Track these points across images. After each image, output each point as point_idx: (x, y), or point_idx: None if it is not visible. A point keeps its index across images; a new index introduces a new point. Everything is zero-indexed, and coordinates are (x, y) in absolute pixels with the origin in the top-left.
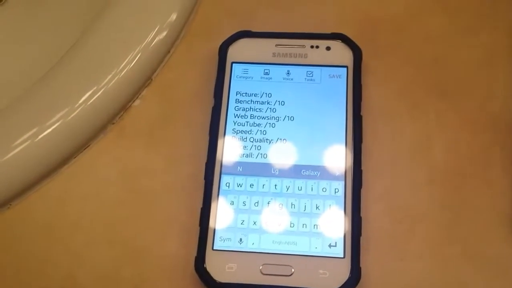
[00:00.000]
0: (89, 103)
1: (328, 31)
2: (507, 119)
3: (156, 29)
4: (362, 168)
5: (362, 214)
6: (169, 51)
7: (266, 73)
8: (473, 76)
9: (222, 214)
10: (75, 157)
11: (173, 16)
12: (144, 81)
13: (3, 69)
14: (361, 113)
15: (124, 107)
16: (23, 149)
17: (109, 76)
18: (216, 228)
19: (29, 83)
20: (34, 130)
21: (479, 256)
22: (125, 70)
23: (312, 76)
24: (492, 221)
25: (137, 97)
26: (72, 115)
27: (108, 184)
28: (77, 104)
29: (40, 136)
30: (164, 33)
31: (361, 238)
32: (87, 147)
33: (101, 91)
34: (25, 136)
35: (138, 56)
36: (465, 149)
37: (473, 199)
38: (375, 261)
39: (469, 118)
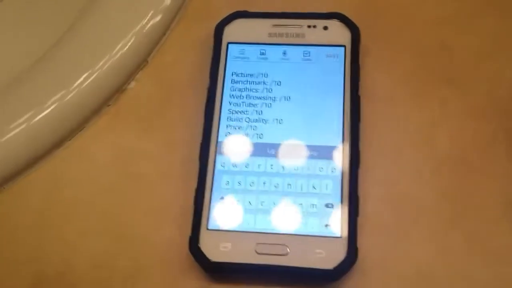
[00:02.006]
0: (84, 85)
1: (326, 10)
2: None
3: (150, 13)
4: (362, 150)
5: (361, 197)
6: (164, 34)
7: (263, 54)
8: (479, 63)
9: (217, 194)
10: (69, 140)
11: (168, 1)
12: (139, 63)
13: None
14: (359, 93)
15: (119, 90)
16: (19, 131)
17: (104, 60)
18: (211, 208)
19: (25, 67)
20: (31, 113)
21: (480, 245)
22: (119, 54)
23: (309, 56)
24: (496, 211)
25: (132, 80)
26: (68, 98)
27: (102, 168)
28: (72, 87)
29: (36, 119)
30: (159, 17)
31: (359, 219)
32: (82, 129)
33: (96, 74)
34: (22, 119)
35: (132, 40)
36: (470, 137)
37: (477, 188)
38: (373, 243)
39: (475, 105)
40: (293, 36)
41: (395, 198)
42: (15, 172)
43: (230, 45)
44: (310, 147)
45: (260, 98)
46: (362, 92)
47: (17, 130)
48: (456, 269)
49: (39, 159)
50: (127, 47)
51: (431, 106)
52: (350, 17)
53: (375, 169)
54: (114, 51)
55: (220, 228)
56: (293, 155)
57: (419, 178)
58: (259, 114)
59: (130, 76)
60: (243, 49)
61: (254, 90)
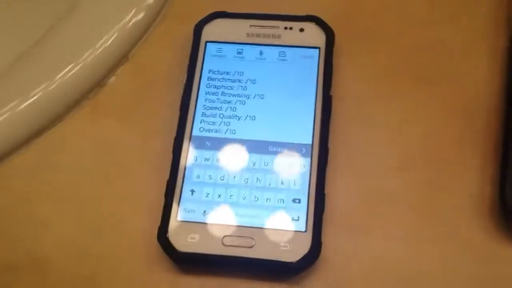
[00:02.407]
0: (66, 77)
1: (303, 14)
2: (479, 104)
3: (133, 11)
4: (332, 147)
5: (328, 193)
6: (146, 31)
7: (239, 53)
8: (449, 63)
9: (188, 187)
10: (49, 130)
11: (151, 0)
12: (120, 59)
13: None
14: (331, 93)
15: (99, 84)
16: (3, 119)
17: (86, 53)
18: (181, 199)
19: (12, 58)
20: (16, 101)
21: (446, 239)
22: (101, 48)
23: (284, 57)
24: (461, 205)
25: (112, 75)
26: (50, 88)
27: (79, 158)
28: (56, 78)
29: (20, 107)
30: (141, 15)
31: (326, 215)
32: (61, 120)
33: (79, 66)
34: (6, 108)
35: (114, 36)
36: (439, 134)
37: (444, 184)
38: (338, 237)
39: (444, 104)
40: (270, 36)
41: (363, 195)
42: None
43: (208, 44)
44: (281, 144)
45: (235, 96)
46: (335, 91)
47: (3, 118)
48: (421, 263)
49: (18, 147)
50: (109, 42)
51: (401, 104)
52: (325, 20)
53: (344, 166)
54: (97, 45)
55: (189, 220)
56: (264, 151)
57: (387, 175)
58: (233, 110)
59: (111, 71)
60: (221, 48)
61: (229, 88)
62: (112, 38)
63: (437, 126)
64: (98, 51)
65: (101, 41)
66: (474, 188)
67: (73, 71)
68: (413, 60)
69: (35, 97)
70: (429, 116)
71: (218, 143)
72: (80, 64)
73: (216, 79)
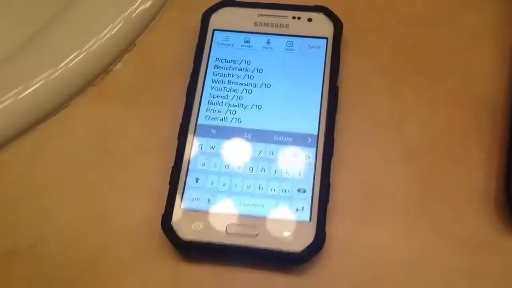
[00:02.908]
0: (71, 65)
1: (311, 4)
2: (485, 100)
3: None
4: (337, 138)
5: (332, 183)
6: (154, 18)
7: (247, 42)
8: (454, 57)
9: (192, 175)
10: (53, 116)
11: None
12: (127, 46)
13: None
14: (337, 84)
15: (105, 70)
16: (6, 106)
17: (92, 41)
18: (186, 187)
19: (17, 45)
20: (19, 88)
21: (447, 231)
22: (107, 36)
23: (291, 46)
24: (464, 199)
25: (118, 61)
26: (55, 75)
27: (83, 143)
28: (60, 66)
29: (23, 94)
30: (149, 3)
31: (330, 205)
32: (66, 106)
33: (84, 54)
34: (10, 94)
35: (121, 24)
36: (441, 127)
37: (447, 177)
38: (342, 228)
39: (447, 97)
40: (277, 26)
41: (366, 185)
42: None
43: (215, 32)
44: (287, 134)
45: (241, 84)
46: (340, 82)
47: (4, 104)
48: (423, 254)
49: (22, 133)
50: (115, 30)
51: (404, 96)
52: (333, 11)
53: (347, 156)
54: (103, 33)
55: (193, 208)
56: (269, 140)
57: (389, 166)
58: (239, 99)
59: (117, 58)
60: (228, 36)
61: (236, 76)
62: (118, 26)
63: (442, 120)
64: (104, 39)
65: (106, 29)
66: (479, 182)
67: (77, 59)
68: (419, 54)
69: (37, 85)
70: (434, 110)
71: (223, 132)
72: (85, 52)
73: (223, 68)
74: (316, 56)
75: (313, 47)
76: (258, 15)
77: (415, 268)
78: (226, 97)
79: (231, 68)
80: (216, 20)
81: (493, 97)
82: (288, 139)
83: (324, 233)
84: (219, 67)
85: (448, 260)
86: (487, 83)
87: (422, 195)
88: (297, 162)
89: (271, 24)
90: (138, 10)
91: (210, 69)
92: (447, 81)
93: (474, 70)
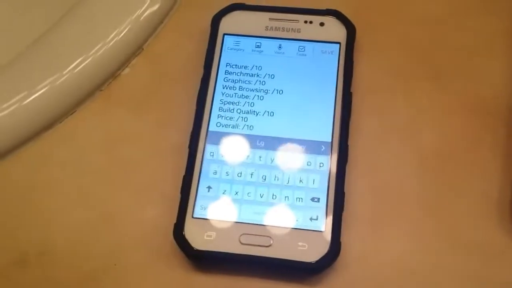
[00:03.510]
0: (77, 70)
1: (323, 7)
2: (500, 105)
3: (148, 2)
4: (350, 144)
5: (346, 190)
6: (162, 22)
7: (258, 46)
8: (468, 61)
9: (204, 183)
10: (60, 122)
11: None
12: (134, 50)
13: None
14: (351, 90)
15: (113, 75)
16: (10, 112)
17: (98, 46)
18: (197, 196)
19: (22, 49)
20: (23, 94)
21: (463, 240)
22: (114, 41)
23: (304, 51)
24: (478, 206)
25: (126, 66)
26: (60, 81)
27: (90, 150)
28: (66, 71)
29: (27, 100)
30: (156, 6)
31: (344, 214)
32: (73, 112)
33: (90, 59)
34: (14, 100)
35: (128, 28)
36: (455, 132)
37: (461, 183)
38: (356, 237)
39: (461, 102)
40: (289, 30)
41: (380, 193)
42: (4, 151)
43: (226, 37)
44: (299, 141)
45: (252, 90)
46: (352, 86)
47: (7, 111)
48: (437, 262)
49: (28, 139)
50: (122, 34)
51: (418, 101)
52: (345, 13)
53: (361, 163)
54: (109, 38)
55: (206, 217)
56: (282, 148)
57: (405, 175)
58: (251, 106)
59: (125, 62)
60: (239, 41)
61: (247, 82)
62: (125, 30)
63: (456, 126)
64: (110, 43)
65: (113, 34)
66: (493, 189)
67: (83, 64)
68: (433, 57)
69: (43, 90)
70: (448, 115)
71: (235, 139)
72: (91, 57)
73: (234, 73)
74: (329, 62)
75: (325, 52)
76: (269, 19)
77: (430, 276)
78: (237, 103)
79: (242, 74)
80: (226, 24)
81: (508, 102)
82: (301, 146)
83: (339, 243)
84: (230, 73)
85: (462, 268)
86: (501, 87)
87: (436, 202)
88: (311, 171)
89: (282, 28)
90: (145, 13)
91: (221, 74)
92: (461, 85)
93: (487, 73)
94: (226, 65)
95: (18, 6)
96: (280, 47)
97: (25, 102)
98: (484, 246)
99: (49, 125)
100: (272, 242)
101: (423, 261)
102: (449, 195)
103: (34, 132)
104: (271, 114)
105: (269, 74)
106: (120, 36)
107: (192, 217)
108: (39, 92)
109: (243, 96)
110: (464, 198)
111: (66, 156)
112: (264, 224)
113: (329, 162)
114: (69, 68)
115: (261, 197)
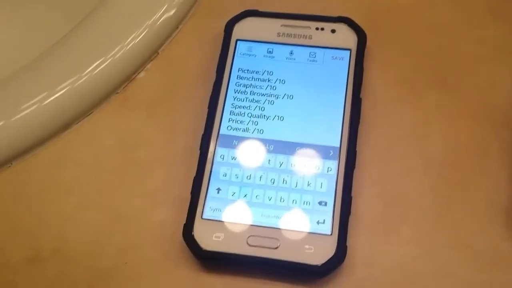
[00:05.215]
0: (95, 72)
1: (334, 15)
2: (509, 113)
3: (165, 7)
4: (358, 150)
5: (354, 196)
6: (177, 27)
7: (270, 52)
8: (476, 69)
9: (214, 185)
10: (77, 123)
11: None
12: (150, 54)
13: (19, 37)
14: (361, 96)
15: (129, 78)
16: (30, 112)
17: (116, 49)
18: (207, 197)
19: (43, 51)
20: (43, 94)
21: (469, 246)
22: (131, 44)
23: (315, 57)
24: (485, 213)
25: (142, 70)
26: (79, 83)
27: (105, 152)
28: (85, 73)
29: (47, 101)
30: (173, 11)
31: (351, 218)
32: (89, 114)
33: (108, 61)
34: (34, 100)
35: (145, 32)
36: (463, 140)
37: (468, 190)
38: (363, 241)
39: (469, 110)
40: (301, 37)
41: (387, 198)
42: (23, 150)
43: (238, 42)
44: (308, 146)
45: (263, 95)
46: (362, 92)
47: (28, 110)
48: (443, 268)
49: (46, 139)
50: (139, 38)
51: (427, 108)
52: (356, 20)
53: (369, 169)
54: (127, 41)
55: (215, 218)
56: (291, 152)
57: (411, 179)
58: (261, 110)
59: (141, 66)
60: (251, 47)
61: (258, 87)
62: (142, 34)
63: (465, 133)
64: (128, 46)
65: (130, 37)
66: (501, 197)
67: (101, 67)
68: (442, 65)
69: (62, 91)
70: (456, 122)
71: (245, 142)
72: (110, 59)
73: (246, 78)
74: (339, 68)
75: (336, 58)
76: (282, 25)
77: (436, 282)
78: (248, 107)
79: (253, 79)
80: (240, 30)
81: None
82: (310, 151)
83: (345, 247)
84: (241, 78)
85: (469, 275)
86: (510, 96)
87: (444, 208)
88: (319, 175)
89: (294, 34)
90: (162, 18)
91: (233, 79)
92: (470, 93)
93: (496, 82)
94: (238, 70)
95: (41, 9)
96: (291, 53)
97: (45, 102)
98: (491, 252)
99: (66, 126)
100: (279, 244)
101: (428, 266)
102: (456, 202)
103: (52, 132)
104: (281, 118)
105: (280, 79)
106: (138, 39)
107: (202, 218)
108: (59, 93)
109: (254, 101)
110: (472, 205)
111: (81, 157)
112: (272, 226)
113: (337, 167)
114: (89, 70)
115: (269, 200)
